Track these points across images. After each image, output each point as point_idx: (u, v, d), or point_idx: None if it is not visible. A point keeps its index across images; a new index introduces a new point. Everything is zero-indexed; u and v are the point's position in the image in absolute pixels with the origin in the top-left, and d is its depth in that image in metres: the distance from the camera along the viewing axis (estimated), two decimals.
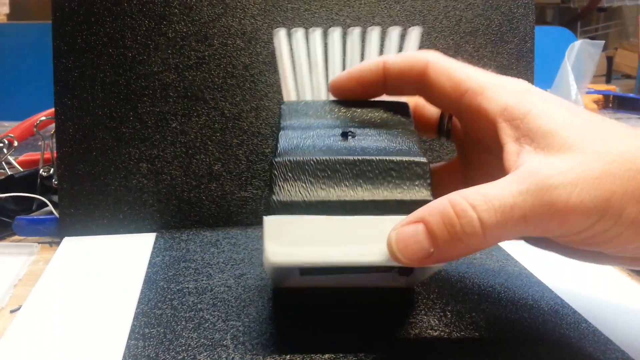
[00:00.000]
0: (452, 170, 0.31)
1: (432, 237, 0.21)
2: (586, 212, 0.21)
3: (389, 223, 0.23)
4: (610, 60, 1.90)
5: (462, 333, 0.27)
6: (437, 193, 0.24)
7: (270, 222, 0.23)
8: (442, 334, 0.27)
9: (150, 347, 0.26)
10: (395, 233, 0.22)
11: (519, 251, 0.37)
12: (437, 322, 0.28)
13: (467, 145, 0.29)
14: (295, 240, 0.23)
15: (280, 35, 0.31)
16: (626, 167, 0.21)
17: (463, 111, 0.26)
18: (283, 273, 0.27)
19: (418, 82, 0.26)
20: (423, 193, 0.24)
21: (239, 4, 0.42)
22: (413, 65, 0.26)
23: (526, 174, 0.21)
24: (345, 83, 0.28)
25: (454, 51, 0.45)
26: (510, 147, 0.23)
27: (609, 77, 1.85)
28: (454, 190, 0.22)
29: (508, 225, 0.21)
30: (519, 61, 0.46)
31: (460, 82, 0.25)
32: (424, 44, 0.45)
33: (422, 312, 0.29)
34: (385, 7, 0.44)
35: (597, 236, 0.22)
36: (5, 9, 1.47)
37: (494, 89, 0.24)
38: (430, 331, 0.28)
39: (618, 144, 0.22)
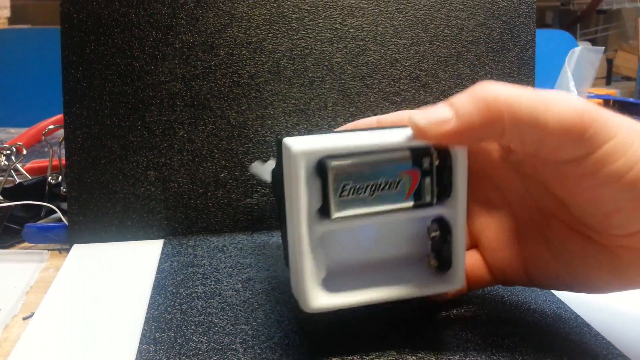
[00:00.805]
0: None
1: (452, 105, 0.23)
2: (573, 114, 0.22)
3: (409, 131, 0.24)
4: (610, 62, 1.90)
5: (465, 336, 0.28)
6: None
7: (290, 140, 0.24)
8: (445, 337, 0.28)
9: (161, 351, 0.27)
10: (416, 111, 0.24)
11: None
12: (440, 325, 0.29)
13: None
14: (321, 141, 0.24)
15: (255, 165, 0.37)
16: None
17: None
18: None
19: None
20: None
21: (244, 14, 0.43)
22: (403, 117, 0.28)
23: None
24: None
25: (456, 59, 0.46)
26: None
27: (608, 80, 1.86)
28: None
29: (519, 101, 0.22)
30: (520, 69, 0.47)
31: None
32: (426, 53, 0.45)
33: (426, 314, 0.30)
34: (388, 16, 0.45)
35: (580, 163, 0.22)
36: (7, 12, 1.48)
37: None
38: (433, 332, 0.28)
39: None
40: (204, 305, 0.31)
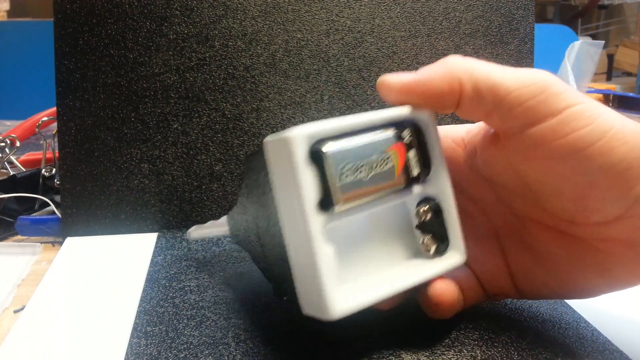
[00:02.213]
0: None
1: (416, 73, 0.25)
2: (521, 80, 0.23)
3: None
4: (611, 58, 1.89)
5: (460, 331, 0.28)
6: None
7: (274, 135, 0.23)
8: (440, 332, 0.28)
9: (152, 345, 0.27)
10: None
11: None
12: (435, 322, 0.29)
13: None
14: (309, 126, 0.22)
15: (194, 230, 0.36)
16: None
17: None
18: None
19: None
20: None
21: (239, 5, 0.42)
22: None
23: None
24: None
25: (454, 52, 0.45)
26: None
27: (609, 75, 1.85)
28: None
29: (479, 65, 0.24)
30: (519, 62, 0.46)
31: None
32: (423, 46, 0.45)
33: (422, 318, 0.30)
34: (385, 8, 0.44)
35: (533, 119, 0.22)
36: (6, 5, 1.47)
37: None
38: (429, 326, 0.28)
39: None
40: (197, 299, 0.31)
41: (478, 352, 0.26)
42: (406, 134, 0.24)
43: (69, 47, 0.40)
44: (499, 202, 0.28)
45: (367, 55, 0.44)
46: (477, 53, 0.46)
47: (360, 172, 0.23)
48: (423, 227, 0.26)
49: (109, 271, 0.35)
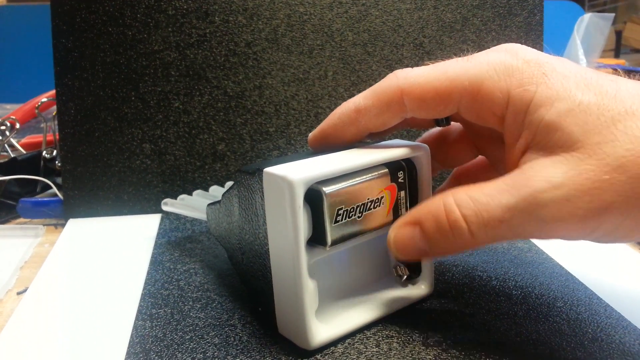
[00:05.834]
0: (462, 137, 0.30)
1: (427, 239, 0.23)
2: (579, 225, 0.20)
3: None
4: (619, 34, 1.86)
5: (469, 307, 0.27)
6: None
7: (275, 169, 0.23)
8: (453, 306, 0.27)
9: (157, 327, 0.26)
10: (394, 234, 0.24)
11: None
12: (448, 299, 0.28)
13: (472, 129, 0.28)
14: (310, 167, 0.23)
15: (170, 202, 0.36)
16: (632, 172, 0.19)
17: (463, 113, 0.24)
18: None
19: (400, 112, 0.25)
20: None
21: None
22: (389, 103, 0.25)
23: (519, 183, 0.21)
24: (320, 140, 0.27)
25: (461, 25, 0.44)
26: (512, 147, 0.23)
27: (617, 52, 1.82)
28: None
29: (496, 235, 0.22)
30: (527, 34, 0.45)
31: (446, 87, 0.23)
32: (430, 18, 0.44)
33: (436, 292, 0.29)
34: None
35: (604, 237, 0.21)
36: None
37: (490, 79, 0.23)
38: (444, 307, 0.27)
39: (629, 140, 0.20)
40: (202, 281, 0.31)
41: (488, 326, 0.26)
42: (401, 175, 0.25)
43: (67, 25, 0.39)
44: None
45: (372, 29, 0.43)
46: (485, 25, 0.44)
47: (354, 213, 0.24)
48: None
49: (112, 253, 0.35)
